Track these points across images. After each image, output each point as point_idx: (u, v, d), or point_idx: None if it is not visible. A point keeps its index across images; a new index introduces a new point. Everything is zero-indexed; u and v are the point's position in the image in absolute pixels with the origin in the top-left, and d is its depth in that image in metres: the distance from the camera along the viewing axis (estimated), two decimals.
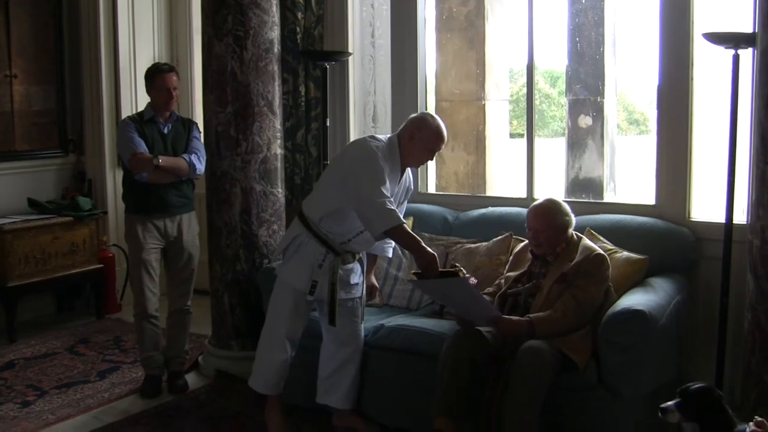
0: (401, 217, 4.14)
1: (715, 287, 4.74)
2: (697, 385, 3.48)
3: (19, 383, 5.50)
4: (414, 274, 4.23)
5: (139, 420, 4.87)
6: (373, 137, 4.41)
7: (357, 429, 4.63)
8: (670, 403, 3.47)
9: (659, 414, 3.48)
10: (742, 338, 4.41)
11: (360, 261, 4.56)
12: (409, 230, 4.14)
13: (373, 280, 4.84)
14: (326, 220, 4.32)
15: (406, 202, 4.66)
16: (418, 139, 4.33)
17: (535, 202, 4.45)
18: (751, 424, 3.00)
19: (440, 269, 4.12)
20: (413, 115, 4.56)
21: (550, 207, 4.36)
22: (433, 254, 4.05)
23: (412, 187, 4.68)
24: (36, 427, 4.79)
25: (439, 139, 4.37)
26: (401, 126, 4.45)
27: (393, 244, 4.73)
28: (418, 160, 4.45)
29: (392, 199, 4.15)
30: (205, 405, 5.11)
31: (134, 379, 5.53)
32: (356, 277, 4.53)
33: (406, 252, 5.21)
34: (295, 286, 4.40)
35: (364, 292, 4.67)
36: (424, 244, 4.07)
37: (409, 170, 4.54)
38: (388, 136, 4.43)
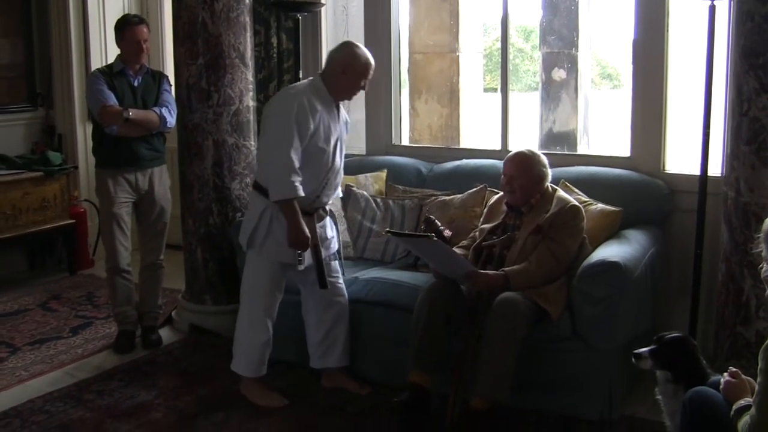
0: (299, 189, 4.09)
1: (690, 239, 4.77)
2: (672, 334, 3.50)
3: None
4: (387, 231, 4.29)
5: (113, 375, 4.85)
6: (290, 87, 4.40)
7: (348, 388, 4.56)
8: (644, 349, 3.49)
9: (632, 359, 3.51)
10: (716, 290, 4.44)
11: (331, 213, 4.50)
12: (296, 207, 4.12)
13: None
14: None
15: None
16: (351, 72, 4.26)
17: (514, 151, 4.43)
18: (725, 374, 3.01)
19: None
20: (334, 48, 4.44)
21: (529, 155, 4.35)
22: (307, 237, 4.15)
23: (349, 119, 4.60)
24: (9, 383, 4.76)
25: (370, 68, 4.32)
26: (325, 63, 4.38)
27: None
28: (350, 93, 4.37)
29: (296, 166, 4.08)
30: (179, 360, 5.10)
31: (107, 335, 5.50)
32: (331, 231, 4.49)
33: (380, 204, 5.19)
34: (284, 261, 4.31)
35: (340, 245, 4.63)
36: (302, 224, 4.13)
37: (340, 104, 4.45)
38: (309, 78, 4.39)
